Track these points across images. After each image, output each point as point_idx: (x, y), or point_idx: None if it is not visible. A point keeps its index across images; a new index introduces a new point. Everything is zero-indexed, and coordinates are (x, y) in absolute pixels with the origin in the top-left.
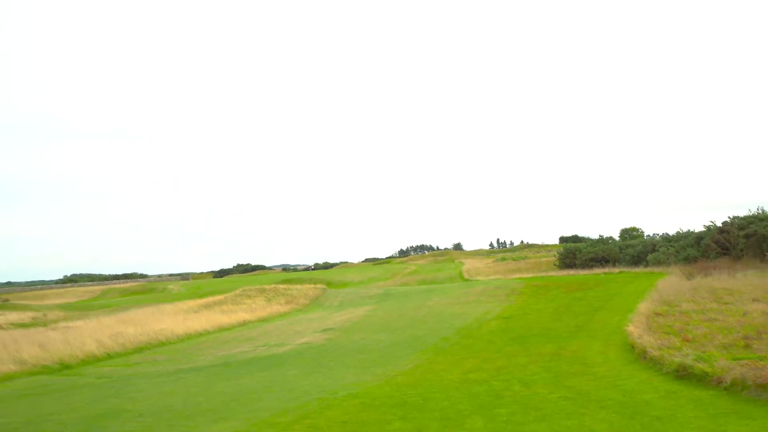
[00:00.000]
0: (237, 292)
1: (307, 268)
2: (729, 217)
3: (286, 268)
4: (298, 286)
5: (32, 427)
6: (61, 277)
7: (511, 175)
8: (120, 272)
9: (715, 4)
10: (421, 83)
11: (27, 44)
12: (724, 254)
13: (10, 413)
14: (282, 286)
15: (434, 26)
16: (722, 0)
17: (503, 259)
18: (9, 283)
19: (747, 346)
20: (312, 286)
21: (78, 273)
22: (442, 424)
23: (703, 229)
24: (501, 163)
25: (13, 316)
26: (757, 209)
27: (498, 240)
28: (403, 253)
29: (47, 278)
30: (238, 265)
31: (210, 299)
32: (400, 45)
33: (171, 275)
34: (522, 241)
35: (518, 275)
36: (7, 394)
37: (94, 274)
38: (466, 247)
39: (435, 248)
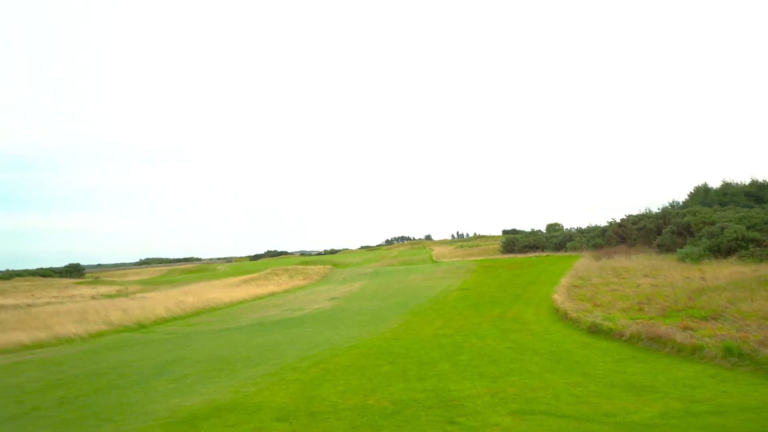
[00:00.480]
0: (267, 271)
1: (319, 253)
2: (625, 215)
3: (303, 253)
4: (313, 267)
5: (118, 370)
6: (138, 260)
7: (466, 180)
8: (181, 256)
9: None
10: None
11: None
12: (622, 242)
13: (102, 360)
14: (300, 267)
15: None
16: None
17: (461, 246)
18: (99, 265)
19: (640, 309)
20: (322, 266)
21: (151, 257)
22: (420, 367)
23: (606, 224)
24: (459, 170)
25: (103, 289)
26: (645, 209)
27: (458, 232)
28: (388, 242)
29: (128, 261)
30: (268, 251)
31: (248, 276)
32: (385, 49)
33: (219, 258)
34: (475, 233)
35: (473, 258)
36: (99, 347)
37: (163, 258)
38: (435, 237)
39: (412, 238)
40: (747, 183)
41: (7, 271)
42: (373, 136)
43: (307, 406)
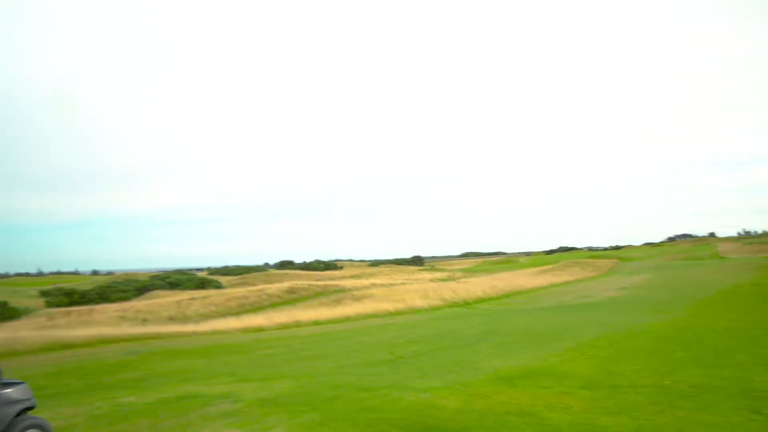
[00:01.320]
0: (561, 263)
1: (604, 249)
2: None
3: (590, 248)
4: (601, 260)
5: (452, 334)
6: (460, 253)
7: (754, 177)
8: (491, 251)
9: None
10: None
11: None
12: None
13: (440, 327)
14: (589, 260)
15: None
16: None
17: (750, 243)
18: (433, 257)
19: None
20: (609, 260)
21: (469, 251)
22: (715, 355)
23: None
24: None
25: (437, 275)
26: None
27: (744, 229)
28: (670, 239)
29: (453, 253)
30: (560, 247)
31: (544, 267)
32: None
33: (520, 252)
34: (764, 230)
35: (764, 255)
36: (437, 316)
37: (478, 252)
38: (718, 234)
39: (694, 236)
40: None
41: (375, 260)
42: (656, 146)
43: (607, 378)
